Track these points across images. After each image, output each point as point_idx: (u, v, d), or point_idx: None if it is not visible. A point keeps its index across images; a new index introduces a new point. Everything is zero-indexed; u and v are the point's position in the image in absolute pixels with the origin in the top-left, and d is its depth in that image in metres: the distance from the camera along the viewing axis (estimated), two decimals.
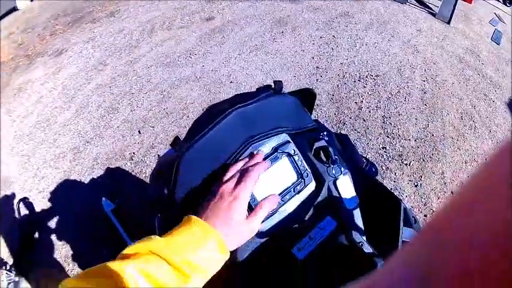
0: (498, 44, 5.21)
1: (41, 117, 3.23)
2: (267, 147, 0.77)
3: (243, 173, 0.69)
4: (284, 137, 0.79)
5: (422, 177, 2.82)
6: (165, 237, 0.55)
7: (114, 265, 0.47)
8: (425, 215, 2.60)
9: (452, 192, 2.79)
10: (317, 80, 3.51)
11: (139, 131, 3.04)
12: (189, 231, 0.57)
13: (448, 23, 4.95)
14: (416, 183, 2.77)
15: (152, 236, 0.54)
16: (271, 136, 0.78)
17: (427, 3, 5.40)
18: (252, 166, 0.71)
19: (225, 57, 3.75)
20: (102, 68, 3.80)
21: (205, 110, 0.85)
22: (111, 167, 2.76)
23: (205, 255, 0.55)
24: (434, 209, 2.63)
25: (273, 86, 0.85)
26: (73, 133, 3.05)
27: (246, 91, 3.60)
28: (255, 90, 0.87)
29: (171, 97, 3.37)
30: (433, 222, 0.20)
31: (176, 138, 0.74)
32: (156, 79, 3.59)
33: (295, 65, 3.66)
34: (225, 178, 0.68)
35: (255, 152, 0.76)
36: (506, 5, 7.80)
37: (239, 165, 0.72)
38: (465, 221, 0.16)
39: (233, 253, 0.65)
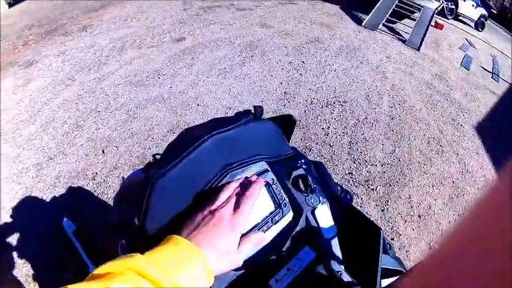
0: (468, 69, 5.37)
1: (4, 130, 3.14)
2: (245, 175, 0.73)
3: (241, 196, 0.64)
4: (262, 165, 0.76)
5: (389, 201, 2.84)
6: (146, 254, 0.49)
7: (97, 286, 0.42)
8: (392, 239, 2.60)
9: (419, 216, 2.81)
10: (284, 105, 3.52)
11: (103, 151, 2.97)
12: (172, 249, 0.52)
13: (418, 49, 5.08)
14: (382, 208, 2.78)
15: (133, 254, 0.47)
16: (250, 164, 0.75)
17: (398, 30, 5.55)
18: (249, 188, 0.66)
19: (193, 80, 3.73)
20: (70, 83, 3.73)
21: (180, 134, 0.81)
22: (73, 186, 2.68)
23: (189, 274, 0.49)
24: (400, 233, 2.64)
25: (252, 111, 0.82)
26: (37, 148, 2.96)
27: (213, 114, 3.62)
28: (223, 114, 0.83)
29: (137, 117, 3.31)
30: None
31: (149, 164, 0.71)
32: (123, 98, 3.53)
33: (263, 89, 3.66)
34: (220, 200, 0.63)
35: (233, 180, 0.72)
36: (478, 30, 8.10)
37: (233, 187, 0.67)
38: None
39: None
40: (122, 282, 0.43)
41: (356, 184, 2.95)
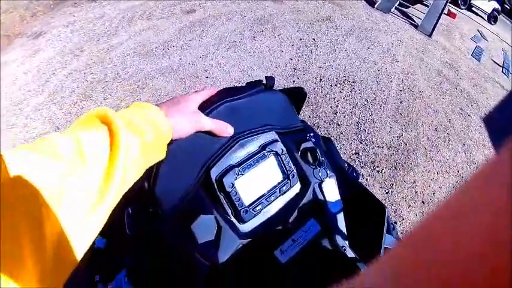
0: (478, 61, 5.32)
1: (13, 100, 3.12)
2: (254, 144, 0.74)
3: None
4: (272, 135, 0.77)
5: (394, 185, 2.83)
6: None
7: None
8: (395, 222, 2.60)
9: (423, 202, 2.81)
10: (294, 81, 3.48)
11: None
12: (135, 107, 0.57)
13: (430, 36, 5.01)
14: (387, 190, 2.77)
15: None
16: (260, 133, 0.76)
17: (410, 15, 5.48)
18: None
19: (203, 52, 3.69)
20: (78, 54, 3.69)
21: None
22: None
23: (146, 118, 0.54)
24: (404, 217, 2.64)
25: (264, 82, 0.81)
26: (44, 118, 2.94)
27: (222, 87, 3.54)
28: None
29: (145, 88, 3.29)
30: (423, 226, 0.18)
31: None
32: (132, 69, 3.50)
33: (273, 65, 3.62)
34: None
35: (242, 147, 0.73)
36: (490, 23, 8.00)
37: None
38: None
39: (213, 255, 0.64)
40: (82, 126, 0.47)
41: (362, 165, 2.94)
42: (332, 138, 3.12)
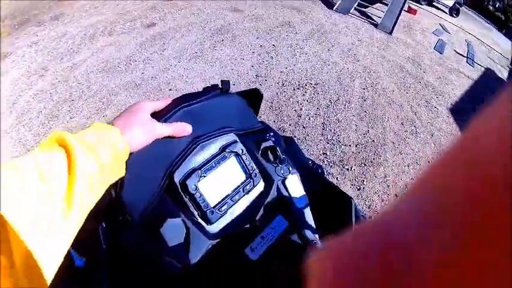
0: (441, 53, 5.46)
1: None
2: (214, 146, 0.75)
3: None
4: (231, 136, 0.78)
5: (365, 181, 2.86)
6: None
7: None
8: (370, 217, 2.64)
9: (396, 195, 2.84)
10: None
11: None
12: (92, 128, 0.57)
13: (390, 33, 5.13)
14: (359, 187, 2.81)
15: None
16: (219, 136, 0.76)
17: (370, 14, 5.59)
18: None
19: (164, 65, 3.70)
20: (43, 74, 3.65)
21: None
22: None
23: (101, 137, 0.56)
24: (378, 211, 2.68)
25: (220, 86, 0.83)
26: (14, 141, 2.90)
27: None
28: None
29: (110, 104, 3.28)
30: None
31: None
32: (96, 86, 3.49)
33: (235, 73, 3.65)
34: None
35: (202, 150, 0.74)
36: (452, 16, 8.21)
37: None
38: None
39: (185, 256, 0.65)
40: (42, 149, 0.48)
41: (331, 164, 2.98)
42: (298, 140, 3.16)
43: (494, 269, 0.13)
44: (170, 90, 3.41)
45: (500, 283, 0.13)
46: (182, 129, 0.70)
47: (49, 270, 0.43)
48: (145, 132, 0.64)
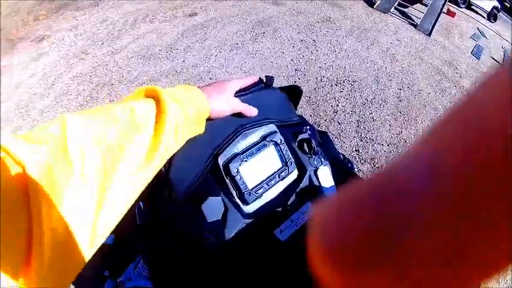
0: (478, 59, 5.35)
1: (19, 103, 3.19)
2: (256, 135, 0.82)
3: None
4: (272, 127, 0.85)
5: None
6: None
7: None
8: None
9: None
10: (295, 82, 3.55)
11: None
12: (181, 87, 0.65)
13: (429, 35, 5.06)
14: None
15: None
16: (261, 125, 0.84)
17: (409, 15, 5.52)
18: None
19: (205, 54, 3.76)
20: (83, 57, 3.75)
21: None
22: None
23: (190, 94, 0.64)
24: None
25: (264, 80, 0.90)
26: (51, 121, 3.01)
27: None
28: None
29: None
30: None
31: None
32: (136, 71, 3.57)
33: (275, 66, 3.69)
34: None
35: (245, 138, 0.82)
36: (490, 21, 8.01)
37: None
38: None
39: (221, 232, 0.71)
40: (135, 98, 0.55)
41: (362, 161, 2.99)
42: (333, 136, 3.19)
43: (494, 225, 0.13)
44: (210, 78, 3.47)
45: (499, 234, 0.14)
46: (251, 110, 0.80)
47: (111, 219, 0.46)
48: (227, 103, 0.73)
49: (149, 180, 0.53)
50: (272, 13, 4.49)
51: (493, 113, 0.14)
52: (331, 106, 3.43)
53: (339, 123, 3.30)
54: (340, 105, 3.46)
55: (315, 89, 3.54)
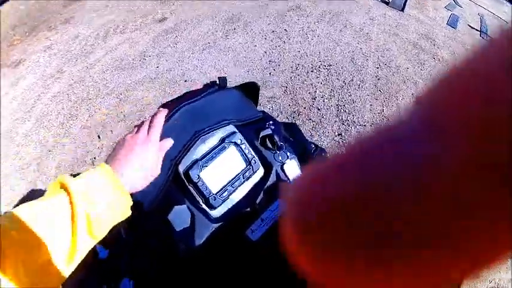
0: (454, 28, 5.34)
1: (2, 130, 3.17)
2: (214, 138, 0.83)
3: (149, 123, 0.73)
4: (230, 128, 0.86)
5: None
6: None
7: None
8: None
9: None
10: (270, 73, 3.54)
11: (98, 136, 3.03)
12: (92, 172, 0.61)
13: (402, 10, 5.05)
14: None
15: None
16: (218, 128, 0.84)
17: None
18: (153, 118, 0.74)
19: (178, 57, 3.75)
20: (59, 76, 3.74)
21: (158, 108, 0.91)
22: (73, 173, 2.74)
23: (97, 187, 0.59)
24: None
25: (217, 82, 0.91)
26: (35, 143, 3.01)
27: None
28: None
29: (127, 100, 3.35)
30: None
31: None
32: (112, 83, 3.56)
33: (248, 60, 3.68)
34: (132, 132, 0.71)
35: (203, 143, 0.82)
36: None
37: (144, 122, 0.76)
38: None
39: (190, 240, 0.72)
40: (49, 194, 0.56)
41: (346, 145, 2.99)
42: (313, 122, 3.19)
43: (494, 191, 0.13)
44: (185, 81, 3.46)
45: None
46: (165, 146, 0.74)
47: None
48: (142, 171, 0.66)
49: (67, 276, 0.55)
50: (241, 8, 4.47)
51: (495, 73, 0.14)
52: (309, 93, 3.42)
53: (319, 109, 3.29)
54: (318, 91, 3.45)
55: (291, 78, 3.52)
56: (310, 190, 0.19)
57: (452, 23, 5.46)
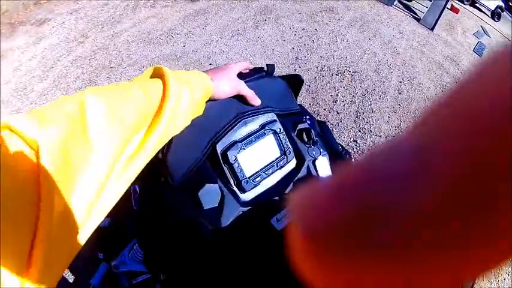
0: (480, 56, 5.33)
1: (18, 86, 3.17)
2: (255, 123, 0.83)
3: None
4: (271, 115, 0.85)
5: None
6: None
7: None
8: None
9: None
10: (295, 70, 3.54)
11: None
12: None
13: (432, 29, 5.04)
14: None
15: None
16: (260, 114, 0.84)
17: (413, 8, 5.49)
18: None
19: (206, 40, 3.74)
20: (83, 40, 3.73)
21: None
22: None
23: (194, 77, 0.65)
24: None
25: (265, 69, 0.90)
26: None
27: None
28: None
29: None
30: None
31: None
32: (136, 55, 3.55)
33: (275, 53, 3.67)
34: None
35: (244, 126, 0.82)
36: (494, 20, 7.98)
37: None
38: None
39: (216, 219, 0.72)
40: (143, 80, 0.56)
41: (360, 152, 2.99)
42: (331, 125, 3.18)
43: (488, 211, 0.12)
44: (210, 64, 3.46)
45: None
46: (255, 98, 0.81)
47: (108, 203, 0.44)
48: (231, 85, 0.74)
49: (144, 164, 0.52)
50: (275, 1, 4.46)
51: (490, 99, 0.13)
52: (331, 96, 3.42)
53: (338, 113, 3.29)
54: (339, 95, 3.45)
55: (315, 78, 3.52)
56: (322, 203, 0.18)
57: (479, 50, 5.45)
